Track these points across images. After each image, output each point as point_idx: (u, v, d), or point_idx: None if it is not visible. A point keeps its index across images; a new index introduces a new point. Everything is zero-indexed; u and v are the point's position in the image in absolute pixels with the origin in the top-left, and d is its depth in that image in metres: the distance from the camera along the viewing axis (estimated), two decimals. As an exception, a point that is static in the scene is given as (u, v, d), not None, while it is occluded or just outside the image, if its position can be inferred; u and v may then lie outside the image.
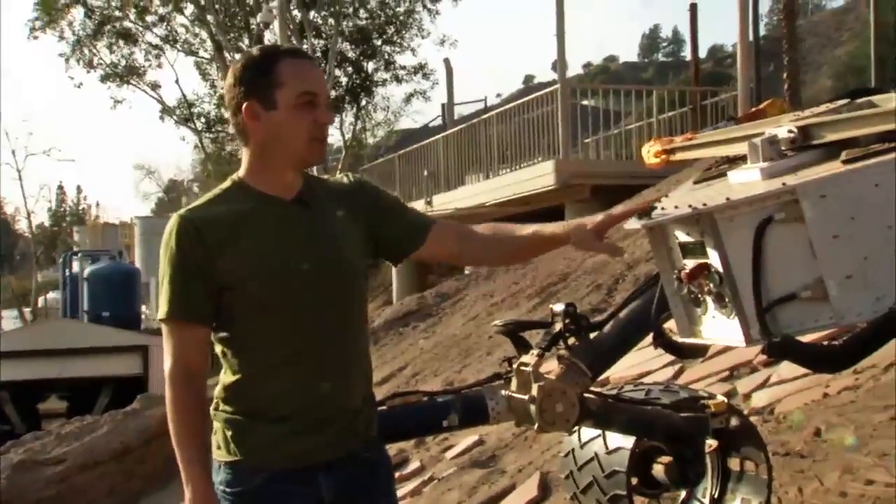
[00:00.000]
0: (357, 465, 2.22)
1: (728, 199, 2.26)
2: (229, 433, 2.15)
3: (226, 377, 2.18)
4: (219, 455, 2.19)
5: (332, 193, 2.28)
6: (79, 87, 38.64)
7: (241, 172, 2.22)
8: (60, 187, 63.11)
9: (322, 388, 2.16)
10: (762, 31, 14.40)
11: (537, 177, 13.12)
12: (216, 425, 2.19)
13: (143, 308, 26.83)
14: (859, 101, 2.53)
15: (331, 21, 24.25)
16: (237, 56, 24.70)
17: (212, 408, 2.20)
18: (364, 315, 2.31)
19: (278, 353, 2.14)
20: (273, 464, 2.14)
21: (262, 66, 2.12)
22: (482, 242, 2.44)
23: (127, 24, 25.66)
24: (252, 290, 2.10)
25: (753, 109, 3.09)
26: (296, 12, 22.99)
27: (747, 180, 2.37)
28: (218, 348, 2.18)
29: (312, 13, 24.15)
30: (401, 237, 2.35)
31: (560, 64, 14.14)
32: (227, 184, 2.23)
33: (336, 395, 2.18)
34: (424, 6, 25.04)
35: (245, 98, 2.12)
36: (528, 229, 2.46)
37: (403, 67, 25.29)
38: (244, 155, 2.21)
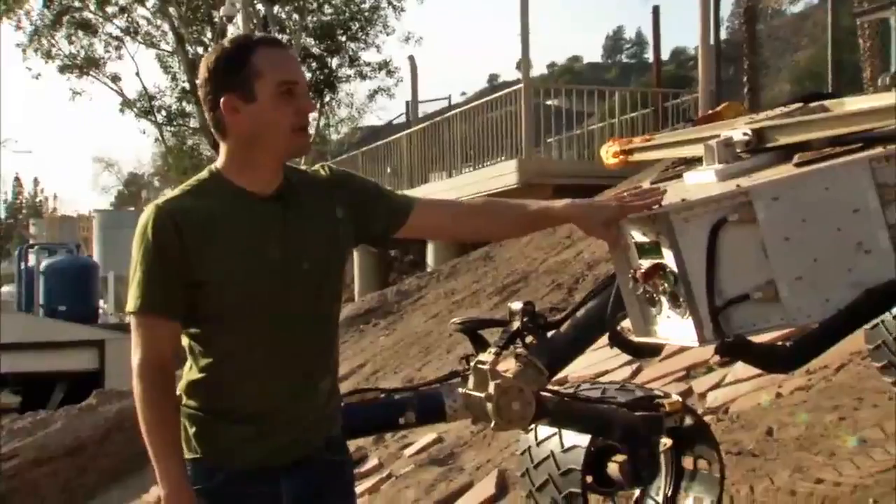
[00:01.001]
0: (318, 466, 2.20)
1: (683, 199, 2.29)
2: (192, 430, 2.12)
3: (191, 373, 2.14)
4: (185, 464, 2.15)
5: (310, 186, 2.23)
6: (37, 77, 37.96)
7: (219, 164, 2.15)
8: (17, 179, 62.26)
9: (289, 389, 2.13)
10: (723, 35, 14.58)
11: (500, 175, 13.15)
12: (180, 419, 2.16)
13: (101, 302, 26.51)
14: (812, 105, 2.57)
15: (295, 16, 24.12)
16: (199, 49, 24.64)
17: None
18: (336, 314, 2.28)
19: (246, 351, 2.10)
20: (233, 464, 2.11)
21: (237, 57, 2.06)
22: (483, 215, 2.45)
23: (87, 14, 25.28)
24: (225, 287, 2.06)
25: (710, 112, 3.13)
26: (259, 6, 22.84)
27: (703, 182, 2.40)
28: (185, 341, 2.15)
29: (276, 7, 24.01)
30: (385, 219, 2.31)
31: (524, 63, 14.17)
32: (204, 175, 2.16)
33: (302, 396, 2.16)
34: (389, 3, 24.97)
35: (222, 92, 2.05)
36: (528, 205, 2.43)
37: (368, 64, 25.22)
38: (222, 148, 2.14)
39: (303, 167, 2.37)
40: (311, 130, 2.64)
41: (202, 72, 2.11)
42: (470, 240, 2.95)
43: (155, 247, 2.04)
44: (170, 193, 2.16)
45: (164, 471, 2.04)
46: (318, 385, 2.20)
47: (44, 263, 22.59)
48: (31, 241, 31.60)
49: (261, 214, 2.11)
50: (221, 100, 2.05)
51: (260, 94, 2.04)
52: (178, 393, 2.16)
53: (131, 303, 2.09)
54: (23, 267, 24.69)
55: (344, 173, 2.32)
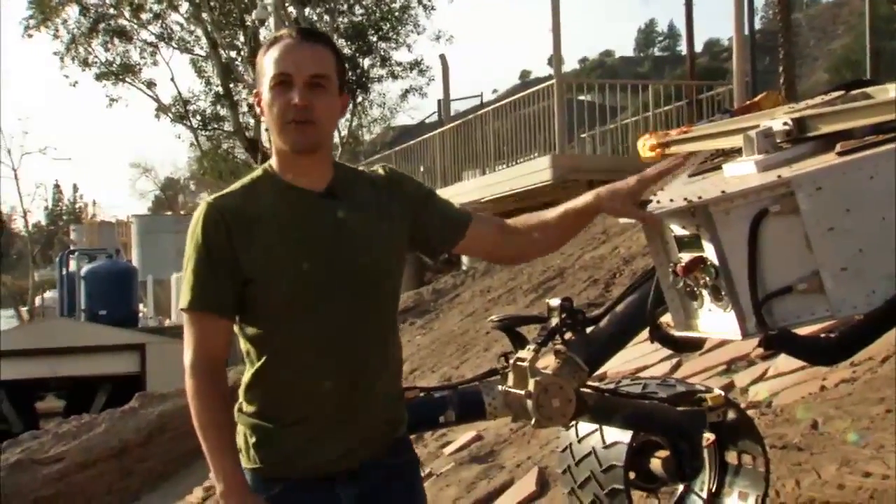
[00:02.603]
0: (380, 471, 2.17)
1: (723, 191, 2.26)
2: (251, 440, 2.11)
3: (248, 375, 2.13)
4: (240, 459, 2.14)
5: (365, 183, 2.21)
6: (74, 85, 38.60)
7: (271, 161, 2.18)
8: (57, 186, 63.19)
9: (342, 391, 2.09)
10: (758, 25, 14.43)
11: (533, 172, 13.12)
12: (238, 427, 2.14)
13: (141, 306, 26.81)
14: (854, 92, 2.53)
15: (326, 18, 24.21)
16: (232, 53, 24.83)
17: (235, 408, 2.15)
18: (394, 314, 2.25)
19: (297, 350, 2.08)
20: (292, 473, 2.09)
21: (265, 50, 2.13)
22: (524, 233, 2.42)
23: (122, 21, 25.57)
24: (275, 285, 2.05)
25: (748, 102, 3.09)
26: (291, 9, 22.96)
27: (742, 173, 2.37)
28: (242, 344, 2.14)
29: (307, 10, 24.11)
30: (441, 231, 2.29)
31: (556, 59, 14.12)
32: (258, 172, 2.18)
33: (360, 398, 2.12)
34: (420, 2, 24.98)
35: (256, 87, 2.15)
36: (558, 210, 2.44)
37: (399, 63, 25.22)
38: None
39: (361, 168, 2.35)
40: (341, 127, 2.56)
41: None
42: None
43: (204, 243, 2.05)
44: (223, 190, 2.18)
45: (218, 466, 2.04)
46: (374, 386, 2.15)
47: (84, 269, 22.86)
48: (71, 247, 32.00)
49: (311, 210, 2.10)
50: (255, 91, 2.15)
51: (263, 90, 2.09)
52: (238, 401, 2.16)
53: (183, 299, 2.09)
54: (64, 272, 25.03)
55: (401, 175, 2.30)
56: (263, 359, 2.10)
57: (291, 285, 2.05)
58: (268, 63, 2.09)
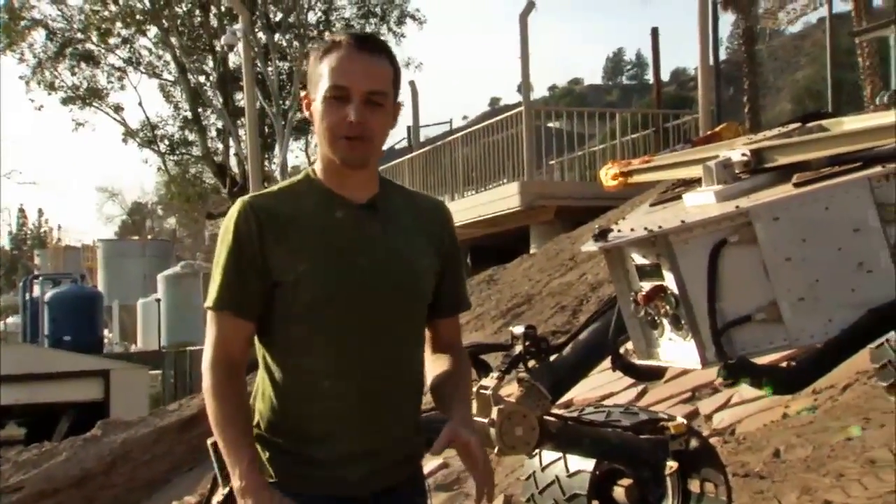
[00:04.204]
0: (399, 499, 2.06)
1: (683, 221, 2.28)
2: (266, 454, 2.01)
3: (265, 386, 2.03)
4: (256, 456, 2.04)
5: (411, 207, 2.12)
6: (40, 109, 38.19)
7: (315, 166, 2.09)
8: (21, 210, 62.46)
9: (370, 409, 1.99)
10: (723, 56, 14.62)
11: (502, 198, 13.16)
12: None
13: (106, 332, 26.51)
14: (810, 125, 2.57)
15: (296, 44, 24.25)
16: (201, 78, 24.77)
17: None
18: (421, 337, 2.11)
19: (323, 366, 1.99)
20: (309, 489, 1.99)
21: (322, 54, 2.01)
22: (433, 359, 2.16)
23: (89, 46, 25.45)
24: (300, 291, 1.97)
25: (709, 133, 3.13)
26: (260, 35, 22.97)
27: (702, 203, 2.40)
28: (259, 353, 2.05)
29: (277, 35, 24.15)
30: (442, 298, 2.13)
31: (525, 86, 14.23)
32: (300, 176, 2.10)
33: (384, 419, 2.02)
34: (390, 29, 25.15)
35: (306, 86, 2.04)
36: (446, 390, 2.09)
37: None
38: None
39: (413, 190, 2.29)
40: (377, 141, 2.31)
41: None
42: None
43: (235, 243, 1.98)
44: (260, 191, 2.13)
45: (234, 463, 1.94)
46: (400, 407, 2.05)
47: (48, 294, 22.58)
48: (35, 272, 31.63)
49: (349, 220, 2.02)
50: (303, 93, 2.05)
51: (318, 96, 1.99)
52: (254, 418, 2.05)
53: (208, 298, 2.02)
54: (27, 298, 24.70)
55: (451, 220, 2.20)
56: (284, 371, 2.01)
57: (318, 294, 1.97)
58: (324, 71, 1.98)
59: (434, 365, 2.13)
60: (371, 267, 1.99)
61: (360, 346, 1.99)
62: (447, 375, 2.10)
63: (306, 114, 2.05)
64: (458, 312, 2.20)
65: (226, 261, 1.99)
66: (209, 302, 2.02)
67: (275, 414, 2.02)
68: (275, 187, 2.11)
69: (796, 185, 2.24)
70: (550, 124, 15.70)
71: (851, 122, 2.54)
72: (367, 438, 2.00)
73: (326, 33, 24.75)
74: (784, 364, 2.51)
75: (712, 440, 3.99)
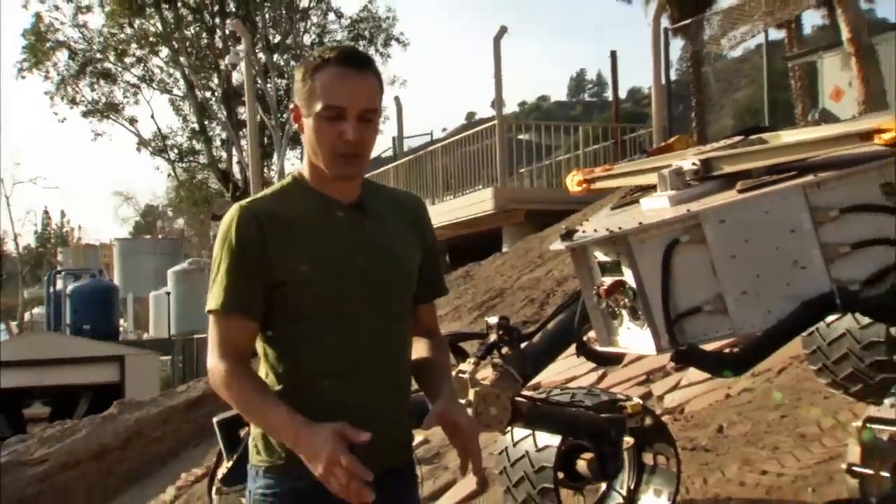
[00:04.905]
0: (396, 481, 1.94)
1: (640, 223, 2.28)
2: (271, 438, 1.88)
3: (268, 381, 1.91)
4: (257, 461, 1.92)
5: (391, 204, 2.04)
6: (62, 121, 38.01)
7: (302, 168, 1.98)
8: (46, 212, 61.74)
9: (366, 401, 1.89)
10: (674, 76, 14.65)
11: (478, 202, 13.16)
12: (254, 431, 1.93)
13: (121, 321, 26.30)
14: (752, 137, 2.58)
15: (293, 63, 24.14)
16: (207, 94, 24.63)
17: None
18: (409, 324, 2.02)
19: (325, 360, 1.89)
20: (312, 477, 1.79)
21: (311, 71, 1.88)
22: (416, 343, 2.06)
23: (107, 64, 25.27)
24: (307, 289, 1.87)
25: (663, 144, 3.14)
26: (260, 55, 22.87)
27: (657, 207, 2.40)
28: (260, 347, 1.93)
29: (276, 56, 24.05)
30: (423, 286, 2.04)
31: (497, 102, 14.21)
32: (287, 180, 1.99)
33: (383, 407, 1.91)
34: (377, 50, 25.10)
35: (295, 98, 1.92)
36: (432, 373, 2.03)
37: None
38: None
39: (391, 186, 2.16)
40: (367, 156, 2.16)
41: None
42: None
43: (238, 246, 1.87)
44: (253, 196, 1.99)
45: (277, 425, 1.80)
46: (395, 396, 1.95)
47: (70, 287, 22.36)
48: (58, 268, 31.28)
49: (343, 220, 1.93)
50: (292, 105, 1.94)
51: (311, 112, 1.87)
52: None
53: (211, 301, 1.89)
54: (51, 291, 24.45)
55: (427, 214, 2.12)
56: (284, 365, 1.90)
57: (321, 292, 1.88)
58: (319, 88, 1.86)
59: (416, 348, 2.05)
60: (369, 264, 1.91)
61: (361, 340, 1.90)
62: (431, 360, 2.04)
63: (295, 126, 1.96)
64: (436, 298, 2.12)
65: (228, 264, 1.88)
66: (214, 304, 1.89)
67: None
68: (267, 191, 2.00)
69: (740, 192, 2.24)
70: (521, 136, 15.71)
71: (787, 136, 2.55)
72: (368, 426, 1.83)
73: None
74: (728, 350, 2.52)
75: (664, 418, 4.00)
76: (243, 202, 1.93)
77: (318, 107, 1.86)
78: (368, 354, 1.90)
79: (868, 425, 1.96)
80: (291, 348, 1.90)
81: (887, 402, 1.99)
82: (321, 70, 1.87)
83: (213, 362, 1.88)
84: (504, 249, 12.25)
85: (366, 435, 1.76)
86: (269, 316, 1.90)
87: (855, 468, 1.97)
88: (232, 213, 1.90)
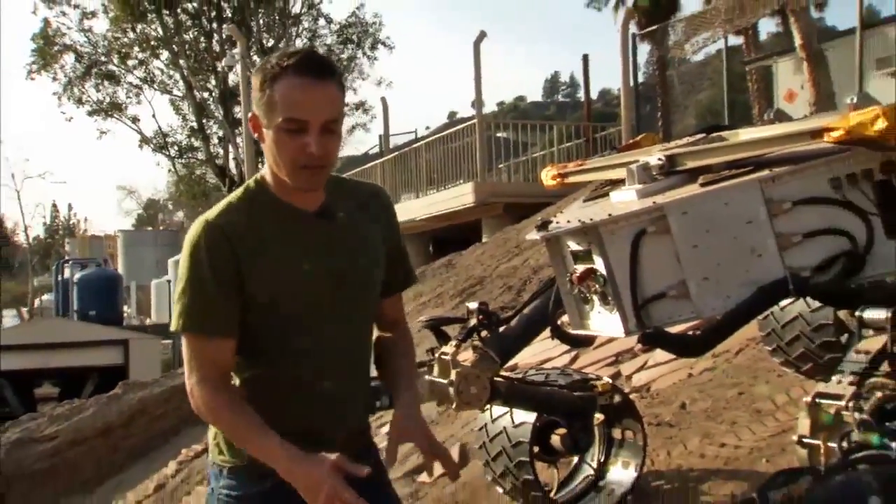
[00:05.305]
0: (364, 460, 1.82)
1: (610, 215, 2.28)
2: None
3: (239, 388, 1.81)
4: (220, 460, 1.82)
5: (354, 201, 1.86)
6: (69, 120, 37.47)
7: (264, 174, 1.80)
8: (54, 205, 61.07)
9: (337, 397, 1.81)
10: (641, 79, 14.68)
11: (459, 196, 13.13)
12: (214, 429, 1.82)
13: (125, 308, 26.11)
14: (712, 135, 2.58)
15: (286, 66, 24.00)
16: (205, 94, 24.44)
17: None
18: (372, 328, 1.92)
19: (298, 364, 1.78)
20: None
21: (269, 80, 1.68)
22: (381, 342, 1.98)
23: (111, 67, 25.06)
24: (274, 306, 1.74)
25: (631, 141, 3.13)
26: (255, 58, 22.70)
27: (625, 199, 2.40)
28: None
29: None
30: (390, 278, 1.92)
31: (477, 102, 14.17)
32: (252, 186, 1.80)
33: (347, 412, 1.84)
34: (364, 53, 25.06)
35: (253, 106, 1.73)
36: (392, 366, 1.95)
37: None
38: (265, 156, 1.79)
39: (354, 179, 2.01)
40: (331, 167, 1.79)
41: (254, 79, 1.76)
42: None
43: (210, 266, 1.70)
44: (216, 208, 1.79)
45: (267, 453, 1.69)
46: (357, 397, 1.88)
47: (77, 276, 22.18)
48: (66, 257, 30.99)
49: (307, 230, 1.78)
50: (250, 114, 1.75)
51: (271, 124, 1.68)
52: None
53: (184, 322, 1.72)
54: (59, 279, 24.24)
55: (391, 207, 1.96)
56: (251, 370, 1.79)
57: (292, 302, 1.75)
58: (279, 99, 1.66)
59: (383, 350, 1.94)
60: (335, 274, 1.78)
61: (328, 347, 1.79)
62: (394, 357, 1.93)
63: (254, 134, 1.75)
64: (403, 289, 1.98)
65: (199, 283, 1.70)
66: (187, 325, 1.72)
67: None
68: (232, 200, 1.78)
69: (702, 185, 2.25)
70: (499, 134, 15.67)
71: (745, 134, 2.55)
72: (336, 421, 1.82)
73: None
74: (691, 332, 2.53)
75: (632, 396, 4.01)
76: (210, 217, 1.75)
77: (279, 119, 1.67)
78: (335, 359, 1.81)
79: (817, 400, 1.98)
80: (262, 355, 1.78)
81: (834, 379, 2.01)
82: (279, 79, 1.67)
83: (194, 386, 1.73)
84: (484, 240, 12.25)
85: (365, 469, 1.67)
86: (241, 328, 1.77)
87: (804, 440, 1.98)
88: (199, 230, 1.73)
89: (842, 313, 3.28)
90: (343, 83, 1.76)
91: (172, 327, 1.75)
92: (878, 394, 1.80)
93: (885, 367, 1.97)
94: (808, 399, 2.00)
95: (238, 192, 1.80)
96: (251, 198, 1.79)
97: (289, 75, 1.66)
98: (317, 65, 1.68)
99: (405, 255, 1.99)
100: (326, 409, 1.81)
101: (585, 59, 16.68)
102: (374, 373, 1.99)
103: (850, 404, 1.89)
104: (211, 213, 1.76)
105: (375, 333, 1.97)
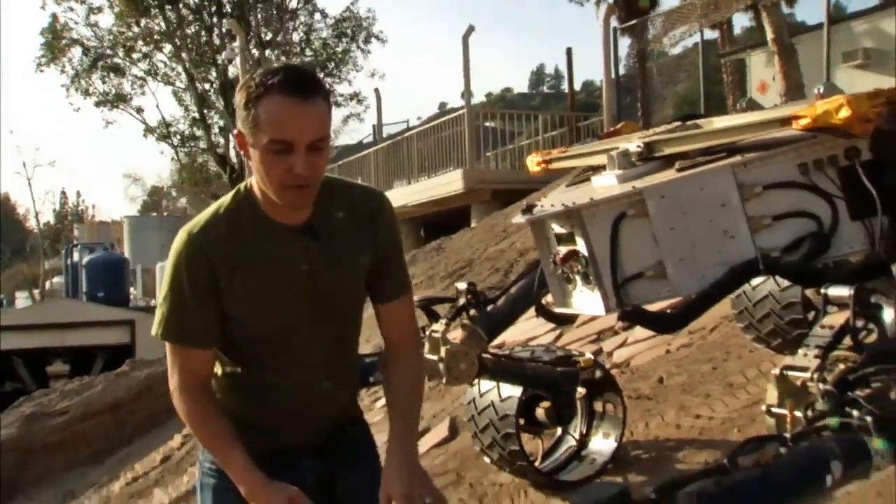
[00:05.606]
0: (338, 447, 1.83)
1: (592, 199, 2.28)
2: None
3: (214, 381, 1.78)
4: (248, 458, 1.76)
5: (344, 207, 1.75)
6: (77, 111, 37.34)
7: (251, 182, 1.71)
8: (63, 192, 60.71)
9: (309, 400, 1.76)
10: (622, 71, 14.66)
11: (449, 183, 13.12)
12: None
13: (131, 290, 26.03)
14: (688, 123, 2.58)
15: (283, 58, 23.83)
16: (206, 86, 24.26)
17: None
18: (358, 327, 1.84)
19: (265, 372, 1.74)
20: (255, 445, 1.70)
21: (252, 99, 1.58)
22: (388, 361, 1.88)
23: (116, 60, 24.84)
24: (252, 319, 1.69)
25: (612, 129, 3.13)
26: (254, 51, 22.54)
27: (606, 184, 2.40)
28: None
29: (267, 51, 23.73)
30: (384, 285, 1.81)
31: (466, 93, 14.12)
32: (240, 195, 1.71)
33: (322, 403, 1.79)
34: (358, 46, 24.88)
35: (238, 122, 1.63)
36: (390, 398, 1.84)
37: (342, 95, 25.12)
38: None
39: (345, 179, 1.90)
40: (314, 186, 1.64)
41: (238, 96, 1.66)
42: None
43: (190, 283, 1.65)
44: (201, 218, 1.71)
45: (234, 472, 1.67)
46: (341, 396, 1.83)
47: (85, 259, 22.06)
48: (75, 242, 30.83)
49: (290, 246, 1.69)
50: (235, 130, 1.64)
51: (257, 143, 1.58)
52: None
53: (164, 329, 1.69)
54: (69, 262, 24.12)
55: (385, 212, 1.81)
56: (233, 369, 1.76)
57: (270, 320, 1.70)
58: (264, 120, 1.56)
59: (388, 376, 1.83)
60: (315, 289, 1.70)
61: (308, 360, 1.74)
62: (396, 400, 1.80)
63: (241, 151, 1.65)
64: (398, 296, 1.82)
65: (178, 294, 1.66)
66: (166, 334, 1.69)
67: (221, 402, 1.76)
68: (219, 212, 1.70)
69: (678, 171, 2.25)
70: (487, 124, 15.64)
71: (719, 122, 2.55)
72: (310, 418, 1.79)
73: (307, 49, 24.37)
74: (668, 310, 2.53)
75: (612, 371, 4.03)
76: (193, 231, 1.68)
77: (264, 140, 1.56)
78: (315, 371, 1.75)
79: (784, 372, 1.99)
80: (235, 362, 1.75)
81: (800, 352, 2.02)
82: (264, 99, 1.56)
83: (174, 389, 1.72)
84: (472, 224, 12.25)
85: None
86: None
87: (772, 409, 2.00)
88: (182, 242, 1.68)
89: (809, 291, 3.30)
90: (329, 98, 1.64)
91: (153, 331, 1.72)
92: (841, 366, 1.82)
93: (847, 340, 1.98)
94: (777, 371, 2.01)
95: (227, 199, 1.73)
96: (237, 209, 1.70)
97: (273, 95, 1.55)
98: (302, 83, 1.57)
99: (399, 262, 1.84)
100: (304, 410, 1.77)
101: (569, 52, 16.67)
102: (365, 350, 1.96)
103: (815, 376, 1.91)
104: (195, 226, 1.70)
105: (383, 345, 1.89)
